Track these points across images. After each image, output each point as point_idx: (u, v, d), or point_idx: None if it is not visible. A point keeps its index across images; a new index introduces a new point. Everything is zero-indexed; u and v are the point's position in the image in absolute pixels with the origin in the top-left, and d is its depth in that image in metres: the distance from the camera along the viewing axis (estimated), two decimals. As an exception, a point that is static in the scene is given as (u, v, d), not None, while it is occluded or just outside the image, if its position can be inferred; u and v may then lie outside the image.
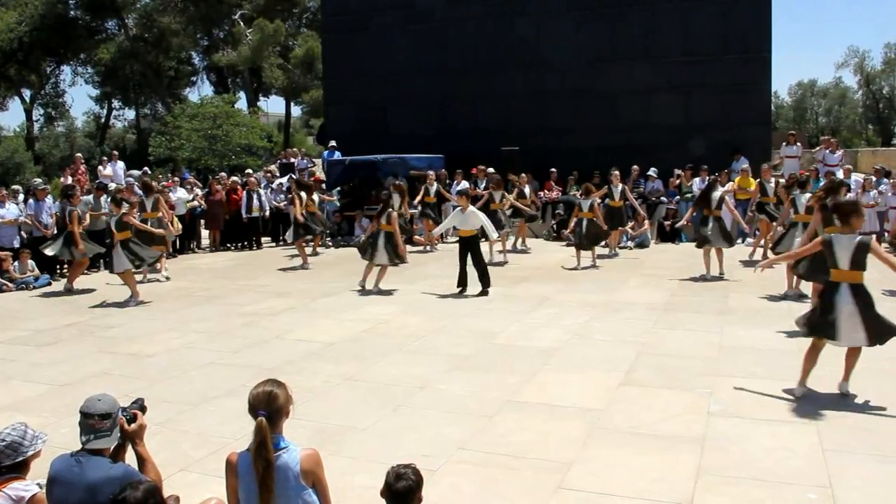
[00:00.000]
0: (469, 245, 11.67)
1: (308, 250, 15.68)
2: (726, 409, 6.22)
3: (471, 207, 11.90)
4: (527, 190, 16.74)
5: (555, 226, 18.18)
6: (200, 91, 58.95)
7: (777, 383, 6.81)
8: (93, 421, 3.45)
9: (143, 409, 3.72)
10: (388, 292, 11.75)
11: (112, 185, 16.33)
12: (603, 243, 15.17)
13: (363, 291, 11.82)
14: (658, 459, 5.25)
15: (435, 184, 17.28)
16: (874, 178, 16.17)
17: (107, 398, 3.54)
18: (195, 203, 17.50)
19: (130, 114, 53.30)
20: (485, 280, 11.53)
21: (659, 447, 5.46)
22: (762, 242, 13.61)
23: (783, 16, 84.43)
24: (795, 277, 10.75)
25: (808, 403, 6.27)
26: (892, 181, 15.86)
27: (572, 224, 14.16)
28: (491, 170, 17.82)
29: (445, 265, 12.90)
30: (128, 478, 3.33)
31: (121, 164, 20.29)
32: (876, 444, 5.41)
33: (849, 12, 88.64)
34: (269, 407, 3.22)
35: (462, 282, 11.62)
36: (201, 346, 8.85)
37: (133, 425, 3.62)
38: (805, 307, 9.87)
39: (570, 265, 13.95)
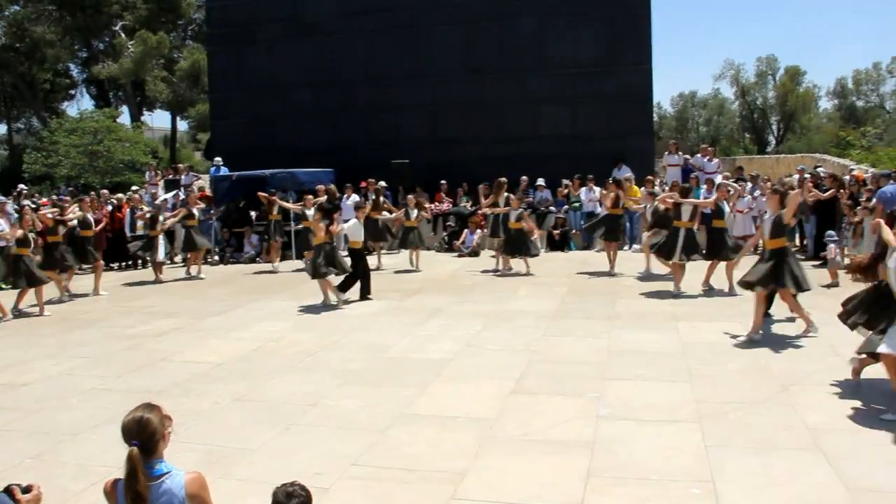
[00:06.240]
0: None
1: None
2: (615, 412, 6.38)
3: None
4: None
5: (446, 237, 18.28)
6: (80, 105, 56.39)
7: (664, 385, 7.05)
8: None
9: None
10: (284, 310, 11.56)
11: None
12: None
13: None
14: (549, 465, 5.33)
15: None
16: (749, 185, 16.88)
17: None
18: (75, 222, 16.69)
19: (2, 128, 50.63)
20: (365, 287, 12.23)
21: (550, 453, 5.55)
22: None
23: (665, 30, 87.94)
24: (707, 274, 11.39)
25: (692, 403, 6.50)
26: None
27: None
28: (382, 183, 17.71)
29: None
30: None
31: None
32: (754, 438, 5.67)
33: (725, 26, 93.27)
34: (141, 434, 3.04)
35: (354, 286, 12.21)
36: (82, 371, 8.44)
37: (28, 495, 3.30)
38: (711, 302, 10.29)
39: (468, 275, 14.09)
